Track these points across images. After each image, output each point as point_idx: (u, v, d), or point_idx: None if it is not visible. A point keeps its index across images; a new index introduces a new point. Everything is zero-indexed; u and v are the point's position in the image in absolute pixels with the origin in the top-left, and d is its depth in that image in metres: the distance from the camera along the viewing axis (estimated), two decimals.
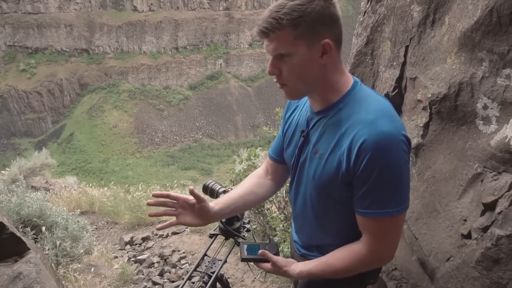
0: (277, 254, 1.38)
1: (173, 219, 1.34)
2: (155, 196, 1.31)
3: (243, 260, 1.40)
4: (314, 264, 1.31)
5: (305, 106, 1.36)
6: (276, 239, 3.15)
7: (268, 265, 1.34)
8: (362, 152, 1.09)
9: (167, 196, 1.31)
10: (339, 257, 1.26)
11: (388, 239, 1.20)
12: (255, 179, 1.57)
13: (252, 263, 1.41)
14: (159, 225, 1.32)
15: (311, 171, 1.26)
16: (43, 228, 3.64)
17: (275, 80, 1.21)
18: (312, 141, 1.27)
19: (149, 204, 1.34)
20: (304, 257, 1.48)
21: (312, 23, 1.10)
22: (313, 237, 1.42)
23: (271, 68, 1.18)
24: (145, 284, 3.70)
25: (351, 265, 1.24)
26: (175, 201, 1.32)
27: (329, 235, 1.36)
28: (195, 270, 1.64)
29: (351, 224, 1.26)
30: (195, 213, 1.34)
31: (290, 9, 1.09)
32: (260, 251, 1.34)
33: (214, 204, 1.40)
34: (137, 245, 4.88)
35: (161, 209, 1.34)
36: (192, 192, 1.29)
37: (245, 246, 1.40)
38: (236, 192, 1.50)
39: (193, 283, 3.18)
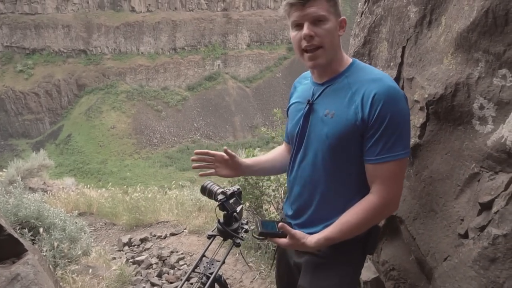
0: None
1: (212, 171, 1.63)
2: (197, 153, 1.61)
3: (260, 234, 1.39)
4: (330, 229, 1.37)
5: (304, 86, 1.57)
6: None
7: (284, 240, 1.38)
8: (375, 103, 1.30)
9: (207, 154, 1.60)
10: (353, 212, 1.35)
11: (395, 185, 1.36)
12: (281, 151, 1.78)
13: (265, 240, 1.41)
14: (201, 173, 1.62)
15: (323, 132, 1.40)
16: (41, 230, 3.62)
17: (305, 44, 1.35)
18: (320, 107, 1.44)
19: (193, 160, 1.61)
20: None
21: (336, 1, 1.39)
22: (321, 207, 1.46)
23: (308, 30, 1.33)
24: (144, 285, 3.69)
25: (365, 217, 1.34)
26: (213, 157, 1.61)
27: (339, 201, 1.42)
28: (193, 271, 1.64)
29: (360, 191, 1.38)
30: (229, 166, 1.64)
31: None
32: (280, 223, 1.37)
33: (246, 160, 1.69)
34: (135, 246, 4.88)
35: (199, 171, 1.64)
36: (226, 151, 1.60)
37: (261, 222, 1.40)
38: (265, 157, 1.79)
39: (192, 284, 3.18)
